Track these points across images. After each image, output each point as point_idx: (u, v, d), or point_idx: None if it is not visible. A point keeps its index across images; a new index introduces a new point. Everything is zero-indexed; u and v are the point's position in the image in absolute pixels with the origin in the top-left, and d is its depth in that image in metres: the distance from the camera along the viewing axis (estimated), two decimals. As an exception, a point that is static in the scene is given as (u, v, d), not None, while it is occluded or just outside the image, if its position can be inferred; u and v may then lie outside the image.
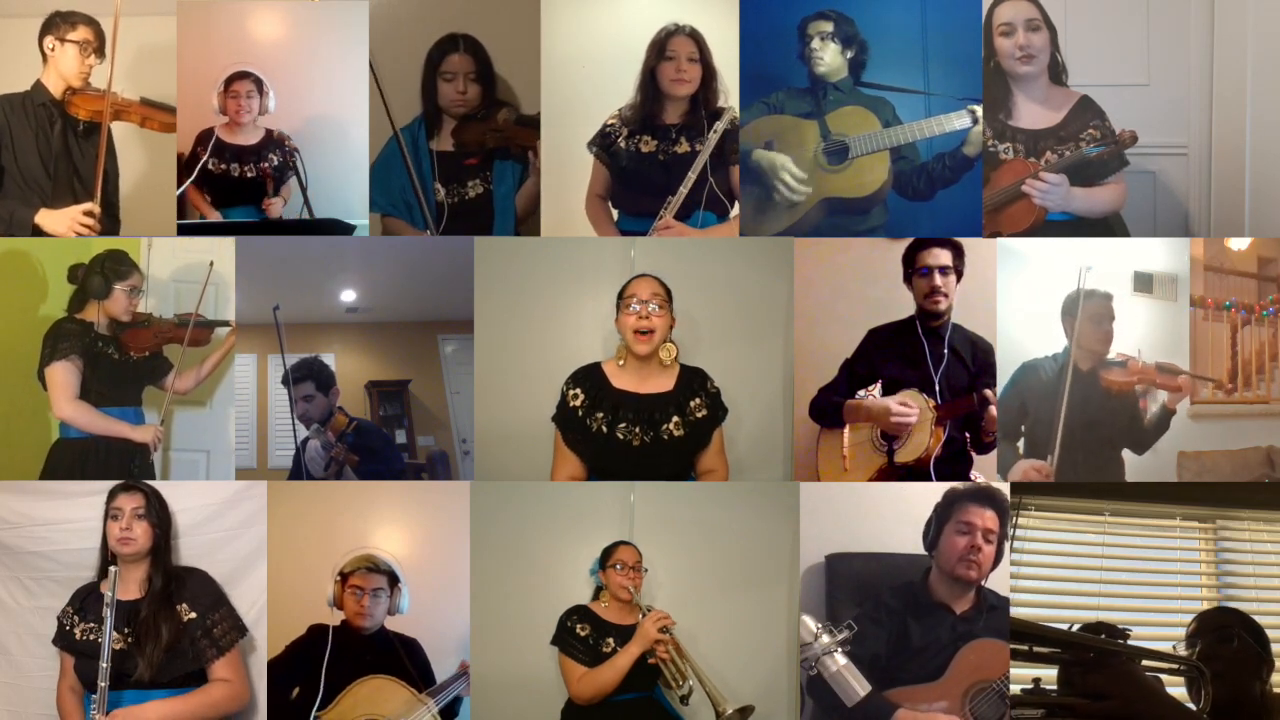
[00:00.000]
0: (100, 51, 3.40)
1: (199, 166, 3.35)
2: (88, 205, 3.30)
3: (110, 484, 3.10)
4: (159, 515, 3.07)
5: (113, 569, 2.97)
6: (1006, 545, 3.06)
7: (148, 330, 3.30)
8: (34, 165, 3.35)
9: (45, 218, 3.30)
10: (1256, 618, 3.07)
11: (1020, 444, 3.24)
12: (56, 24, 3.38)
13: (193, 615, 3.03)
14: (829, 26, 3.26)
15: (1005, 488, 3.13)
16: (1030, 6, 3.35)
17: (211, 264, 3.26)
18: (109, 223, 3.45)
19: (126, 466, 3.22)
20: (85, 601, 3.05)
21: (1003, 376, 3.18)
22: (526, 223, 3.37)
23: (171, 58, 3.35)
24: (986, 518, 3.01)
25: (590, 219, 3.36)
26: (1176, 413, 3.20)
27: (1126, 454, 3.24)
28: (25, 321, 3.27)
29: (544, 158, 3.31)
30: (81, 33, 3.38)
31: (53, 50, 3.39)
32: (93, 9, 3.39)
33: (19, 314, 3.28)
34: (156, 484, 3.13)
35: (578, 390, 3.13)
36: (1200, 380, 3.21)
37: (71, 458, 3.22)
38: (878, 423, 3.12)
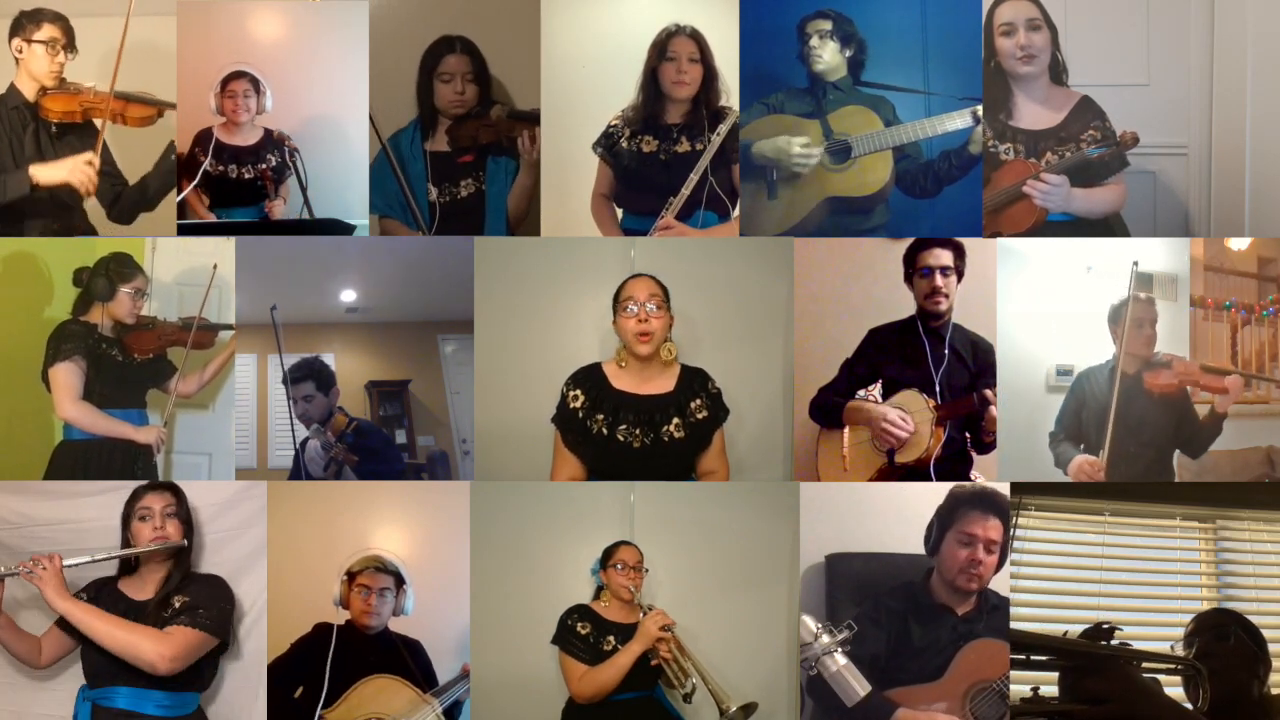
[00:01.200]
0: (71, 47, 3.34)
1: (200, 171, 3.33)
2: (87, 155, 3.27)
3: (111, 484, 3.10)
4: (186, 513, 3.07)
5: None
6: (1009, 548, 3.07)
7: (152, 333, 3.29)
8: (9, 170, 3.32)
9: (41, 170, 3.27)
10: (1256, 618, 3.07)
11: (1080, 448, 3.24)
12: (22, 25, 3.32)
13: (185, 599, 2.99)
14: (827, 25, 3.25)
15: (1005, 489, 3.14)
16: (1031, 6, 3.34)
17: (215, 267, 3.26)
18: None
19: (130, 468, 3.22)
20: (101, 592, 3.04)
21: (1002, 376, 3.17)
22: (517, 229, 3.36)
23: (152, 55, 3.33)
24: (989, 527, 3.00)
25: (595, 219, 3.36)
26: (1228, 415, 3.19)
27: (1179, 458, 3.24)
28: (30, 323, 3.27)
29: (544, 157, 3.30)
30: (47, 31, 3.31)
31: (21, 53, 3.33)
32: (65, 7, 3.35)
33: (24, 316, 3.28)
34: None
35: (578, 391, 3.13)
36: (1252, 378, 3.21)
37: (75, 459, 3.22)
38: (871, 429, 3.13)
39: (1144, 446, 3.20)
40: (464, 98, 3.36)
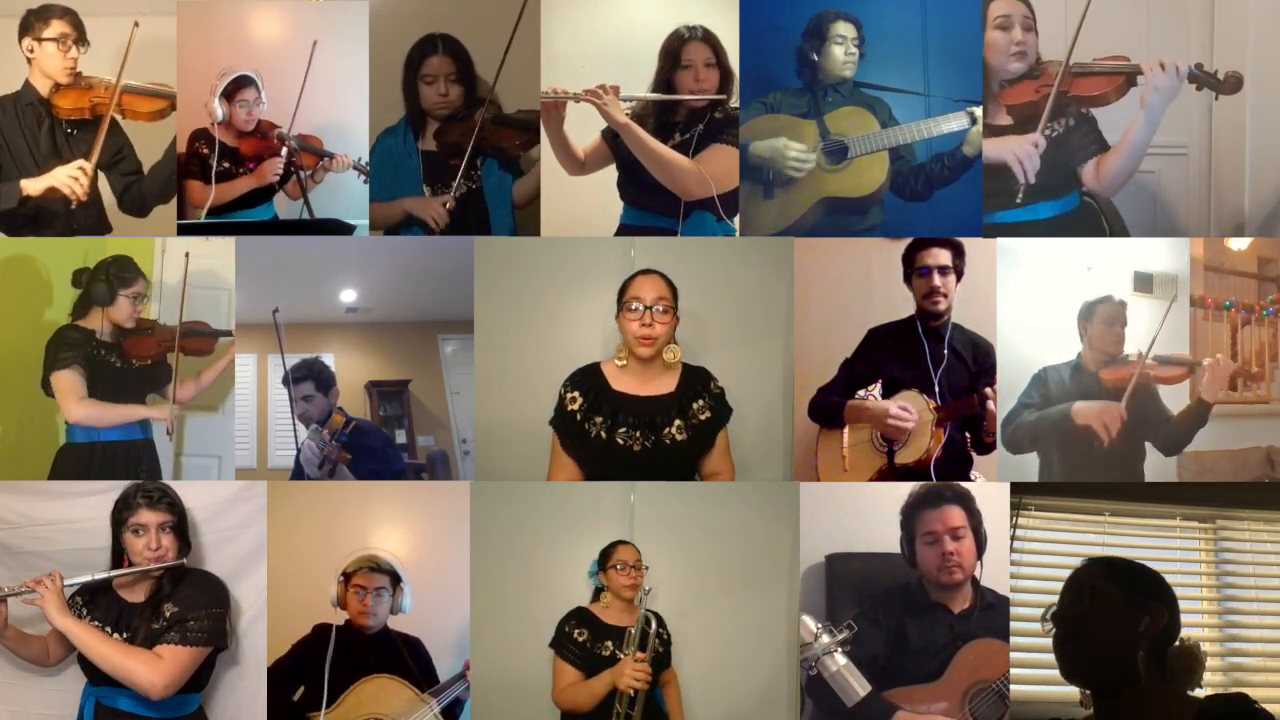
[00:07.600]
0: (82, 41, 3.30)
1: (194, 165, 3.32)
2: (80, 162, 3.24)
3: (111, 484, 3.09)
4: (182, 523, 3.04)
5: None
6: (985, 528, 3.02)
7: (151, 338, 3.29)
8: (29, 169, 3.31)
9: (32, 183, 3.24)
10: (1257, 618, 3.06)
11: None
12: (31, 24, 3.29)
13: (175, 609, 2.97)
14: (854, 32, 3.20)
15: (1005, 489, 3.13)
16: (1022, 5, 3.34)
17: (187, 255, 3.25)
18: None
19: (133, 469, 3.22)
20: (96, 595, 3.03)
21: (1003, 377, 3.17)
22: (526, 210, 3.32)
23: (168, 49, 3.32)
24: (947, 516, 3.00)
25: (559, 154, 3.26)
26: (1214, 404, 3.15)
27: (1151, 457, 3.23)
28: (30, 325, 3.27)
29: (544, 157, 3.29)
30: (56, 28, 3.28)
31: (32, 52, 3.30)
32: (76, 4, 3.32)
33: (24, 317, 3.29)
34: (161, 483, 3.12)
35: (575, 393, 3.10)
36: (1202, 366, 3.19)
37: (78, 462, 3.22)
38: (875, 425, 3.12)
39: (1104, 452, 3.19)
40: (447, 99, 3.30)
